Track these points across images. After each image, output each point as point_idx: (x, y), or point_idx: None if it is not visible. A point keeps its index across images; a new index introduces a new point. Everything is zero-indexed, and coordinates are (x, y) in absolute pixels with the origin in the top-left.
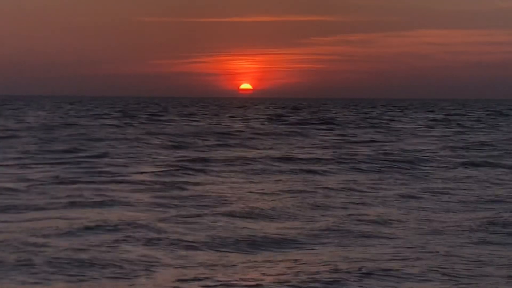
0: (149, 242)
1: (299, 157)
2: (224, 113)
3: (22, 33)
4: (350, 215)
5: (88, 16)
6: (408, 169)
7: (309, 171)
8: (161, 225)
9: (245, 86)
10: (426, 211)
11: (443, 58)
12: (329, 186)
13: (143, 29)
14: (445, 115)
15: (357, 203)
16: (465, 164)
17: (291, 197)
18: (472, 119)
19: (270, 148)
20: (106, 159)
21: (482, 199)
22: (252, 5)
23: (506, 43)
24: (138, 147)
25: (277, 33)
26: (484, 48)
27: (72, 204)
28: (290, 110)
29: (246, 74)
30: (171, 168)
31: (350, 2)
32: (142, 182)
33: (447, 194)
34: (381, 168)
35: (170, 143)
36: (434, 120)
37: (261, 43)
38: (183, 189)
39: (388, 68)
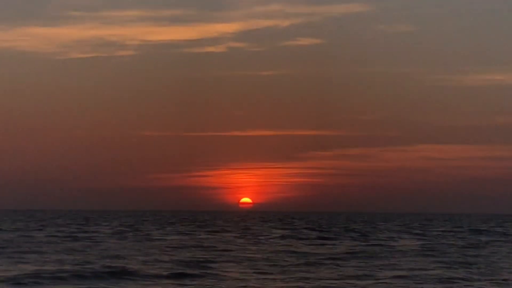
0: None
1: None
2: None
3: (17, 147)
4: None
5: (88, 130)
6: None
7: None
8: None
9: (245, 199)
10: None
11: (443, 173)
12: None
13: (143, 143)
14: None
15: None
16: None
17: None
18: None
19: None
20: None
21: None
22: (251, 120)
23: (504, 158)
24: None
25: (276, 147)
26: (482, 163)
27: None
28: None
29: (246, 187)
30: None
31: (349, 117)
32: None
33: None
34: None
35: None
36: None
37: (260, 157)
38: None
39: (387, 182)
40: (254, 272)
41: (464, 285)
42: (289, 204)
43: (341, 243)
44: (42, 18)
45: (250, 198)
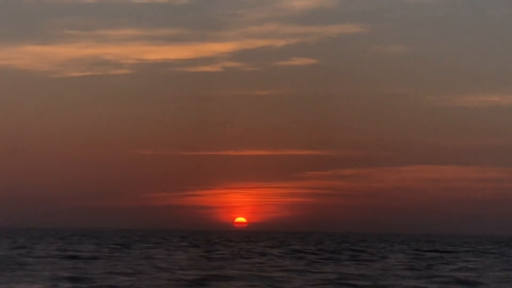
0: None
1: None
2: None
3: (16, 165)
4: None
5: (82, 148)
6: None
7: None
8: None
9: (240, 219)
10: None
11: (437, 193)
12: None
13: (138, 162)
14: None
15: None
16: None
17: None
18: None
19: None
20: None
21: None
22: (247, 139)
23: (497, 179)
24: None
25: (271, 167)
26: (476, 184)
27: None
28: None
29: (241, 207)
30: None
31: (345, 137)
32: None
33: None
34: None
35: None
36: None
37: (256, 177)
38: None
39: (382, 202)
40: None
41: None
42: (284, 224)
43: (337, 263)
44: (38, 36)
45: (245, 218)
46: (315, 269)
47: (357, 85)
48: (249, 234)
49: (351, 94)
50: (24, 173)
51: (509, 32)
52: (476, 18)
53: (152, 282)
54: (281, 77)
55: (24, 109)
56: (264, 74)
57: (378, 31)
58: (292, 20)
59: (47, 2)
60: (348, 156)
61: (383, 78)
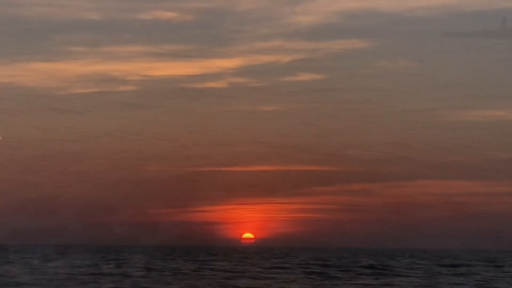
0: None
1: None
2: None
3: (18, 180)
4: None
5: (88, 165)
6: None
7: None
8: None
9: (247, 235)
10: None
11: (444, 208)
12: None
13: (145, 178)
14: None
15: None
16: None
17: None
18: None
19: None
20: None
21: None
22: (253, 155)
23: (505, 194)
24: None
25: (278, 182)
26: (483, 199)
27: None
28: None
29: (248, 223)
30: None
31: (351, 152)
32: None
33: None
34: None
35: None
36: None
37: (262, 192)
38: None
39: (390, 217)
40: None
41: None
42: (292, 239)
43: (349, 280)
44: (44, 53)
45: (252, 233)
46: (329, 285)
47: (363, 100)
48: (257, 250)
49: (357, 110)
50: (30, 190)
51: None
52: (482, 33)
53: None
54: (287, 92)
55: (31, 126)
56: (271, 90)
57: (384, 46)
58: (298, 36)
59: (52, 18)
60: (355, 171)
61: (389, 93)
